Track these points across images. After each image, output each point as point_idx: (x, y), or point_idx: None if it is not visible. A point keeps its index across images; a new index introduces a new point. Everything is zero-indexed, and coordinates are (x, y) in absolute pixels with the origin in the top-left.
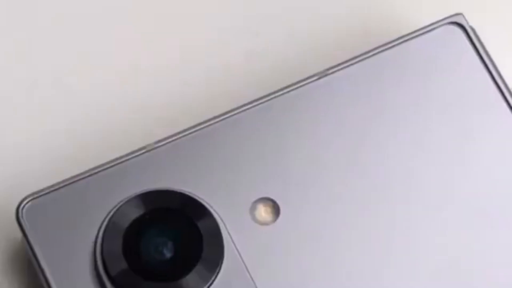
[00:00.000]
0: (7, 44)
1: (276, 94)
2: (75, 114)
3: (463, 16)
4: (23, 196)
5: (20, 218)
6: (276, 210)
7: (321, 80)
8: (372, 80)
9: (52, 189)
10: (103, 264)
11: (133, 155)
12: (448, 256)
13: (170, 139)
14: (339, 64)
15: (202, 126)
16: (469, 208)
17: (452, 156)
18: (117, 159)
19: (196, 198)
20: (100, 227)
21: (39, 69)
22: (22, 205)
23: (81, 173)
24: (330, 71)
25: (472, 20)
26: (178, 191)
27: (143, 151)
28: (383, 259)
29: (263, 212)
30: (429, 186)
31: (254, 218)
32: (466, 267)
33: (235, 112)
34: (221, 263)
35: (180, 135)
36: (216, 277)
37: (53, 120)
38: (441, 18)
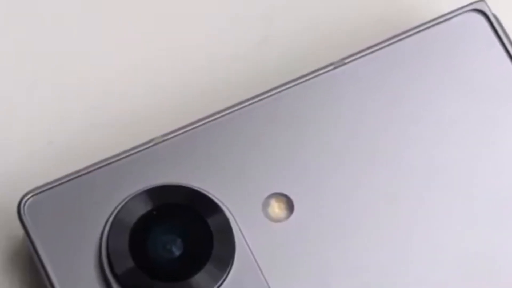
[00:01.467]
0: (7, 43)
1: (290, 85)
2: (78, 109)
3: (485, 3)
4: (24, 192)
5: (22, 214)
6: (290, 206)
7: (337, 69)
8: (391, 70)
9: (55, 184)
10: (108, 263)
11: (140, 148)
12: (474, 250)
13: (178, 132)
14: (356, 53)
15: (212, 118)
16: (494, 198)
17: (475, 146)
18: (123, 152)
19: (206, 193)
20: (105, 224)
21: (39, 67)
22: (23, 201)
23: (85, 168)
24: (347, 60)
25: (495, 7)
26: (187, 186)
27: (151, 144)
28: (404, 258)
29: (276, 208)
30: (452, 178)
31: (267, 215)
32: (493, 260)
33: (247, 103)
34: (232, 261)
35: (190, 127)
36: (227, 276)
37: (55, 115)
38: (462, 5)
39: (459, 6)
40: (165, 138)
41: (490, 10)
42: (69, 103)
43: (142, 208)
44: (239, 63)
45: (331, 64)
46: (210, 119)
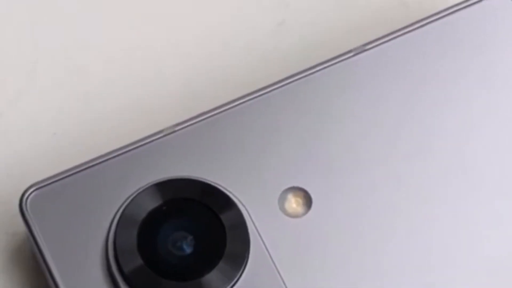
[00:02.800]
0: (9, 32)
1: (308, 72)
2: (83, 98)
3: None
4: (27, 185)
5: (24, 209)
6: (307, 201)
7: (358, 56)
8: (414, 57)
9: (60, 177)
10: (115, 261)
11: (149, 139)
12: (501, 253)
13: (190, 122)
14: (377, 39)
15: (226, 107)
16: None
17: (506, 138)
18: (131, 144)
19: (219, 187)
20: (112, 220)
21: (41, 55)
22: (26, 195)
23: (91, 160)
24: (368, 46)
25: None
26: (199, 179)
27: (161, 135)
28: (427, 259)
29: (293, 203)
30: (481, 175)
31: (283, 210)
32: None
33: (263, 91)
34: (247, 259)
35: (202, 117)
36: (241, 275)
37: (59, 105)
38: None
39: None
40: (176, 128)
41: None
42: (74, 93)
43: (151, 203)
44: (255, 50)
45: (351, 51)
46: (224, 108)
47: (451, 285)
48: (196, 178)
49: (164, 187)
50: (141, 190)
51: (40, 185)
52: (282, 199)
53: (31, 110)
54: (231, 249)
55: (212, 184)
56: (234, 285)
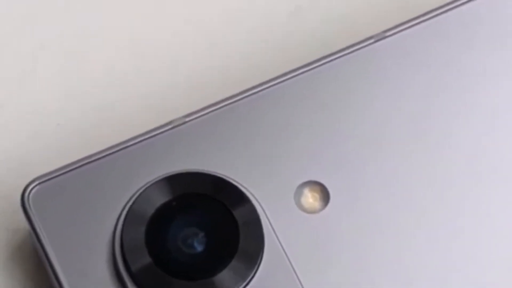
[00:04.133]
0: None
1: (326, 60)
2: (89, 87)
3: None
4: (29, 179)
5: (26, 205)
6: (325, 195)
7: (378, 43)
8: (436, 44)
9: (64, 171)
10: (122, 259)
11: (158, 131)
12: None
13: (201, 113)
14: (398, 25)
15: (239, 97)
16: None
17: None
18: (139, 136)
19: (232, 181)
20: (119, 216)
21: (45, 42)
22: (28, 190)
23: (97, 153)
24: (389, 33)
25: None
26: (211, 173)
27: (170, 126)
28: (449, 257)
29: (310, 198)
30: (507, 167)
31: (299, 205)
32: None
33: (278, 80)
34: (261, 257)
35: (213, 108)
36: (254, 274)
37: (63, 94)
38: None
39: None
40: (187, 119)
41: None
42: (79, 82)
43: (160, 198)
44: (269, 37)
45: (371, 37)
46: (237, 98)
47: (474, 283)
48: (208, 172)
49: (174, 181)
50: (149, 184)
51: (43, 179)
52: (298, 194)
53: (33, 99)
54: (245, 246)
55: (225, 178)
56: (247, 284)
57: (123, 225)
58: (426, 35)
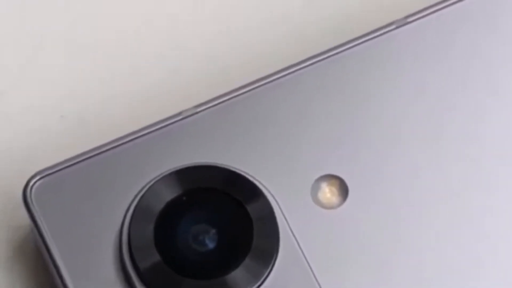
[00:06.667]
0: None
1: (344, 47)
2: (94, 76)
3: None
4: (31, 173)
5: (28, 200)
6: (343, 190)
7: (399, 29)
8: (461, 30)
9: (68, 164)
10: (130, 257)
11: (167, 122)
12: None
13: (213, 103)
14: (421, 11)
15: (253, 86)
16: None
17: None
18: (147, 127)
19: (245, 175)
20: (126, 212)
21: (48, 31)
22: (30, 185)
23: (103, 145)
24: (411, 18)
25: None
26: (223, 166)
27: (180, 117)
28: (472, 256)
29: (327, 192)
30: None
31: (316, 200)
32: None
33: (294, 69)
34: (276, 255)
35: (226, 97)
36: (269, 273)
37: (67, 85)
38: None
39: None
40: (197, 110)
41: None
42: (84, 70)
43: (169, 193)
44: (286, 23)
45: (392, 23)
46: (250, 87)
47: (499, 281)
48: (220, 165)
49: (184, 175)
50: (158, 178)
51: (46, 173)
52: (315, 188)
53: (36, 89)
54: (259, 244)
55: (237, 171)
56: (261, 284)
57: (131, 221)
58: (450, 21)
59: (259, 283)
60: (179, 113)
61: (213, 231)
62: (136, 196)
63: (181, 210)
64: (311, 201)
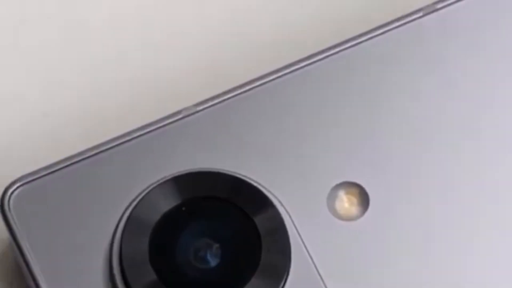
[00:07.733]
0: None
1: (362, 39)
2: (83, 67)
3: None
4: (10, 180)
5: (6, 211)
6: (363, 199)
7: (427, 17)
8: (492, 19)
9: (51, 170)
10: (121, 275)
11: (165, 122)
12: None
13: (216, 101)
14: None
15: (260, 82)
16: None
17: None
18: (141, 128)
19: (252, 182)
20: (118, 223)
21: (30, 24)
22: (8, 193)
23: (92, 148)
24: (440, 5)
25: None
26: (227, 172)
27: (179, 117)
28: (498, 272)
29: (346, 202)
30: None
31: (333, 211)
32: None
33: (306, 62)
34: (287, 273)
35: (229, 95)
36: None
37: (50, 80)
38: None
39: None
40: (199, 108)
41: None
42: (70, 60)
43: (167, 202)
44: (298, 6)
45: (419, 10)
46: (257, 83)
47: None
48: (223, 171)
49: (183, 182)
50: (154, 185)
51: (26, 180)
52: (331, 197)
53: (15, 82)
54: (268, 260)
55: (244, 179)
56: None
57: (122, 234)
58: (483, 8)
59: None
60: (178, 112)
61: (216, 246)
62: (129, 205)
63: (180, 222)
64: (327, 211)
